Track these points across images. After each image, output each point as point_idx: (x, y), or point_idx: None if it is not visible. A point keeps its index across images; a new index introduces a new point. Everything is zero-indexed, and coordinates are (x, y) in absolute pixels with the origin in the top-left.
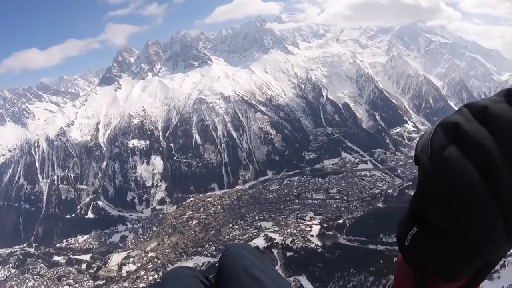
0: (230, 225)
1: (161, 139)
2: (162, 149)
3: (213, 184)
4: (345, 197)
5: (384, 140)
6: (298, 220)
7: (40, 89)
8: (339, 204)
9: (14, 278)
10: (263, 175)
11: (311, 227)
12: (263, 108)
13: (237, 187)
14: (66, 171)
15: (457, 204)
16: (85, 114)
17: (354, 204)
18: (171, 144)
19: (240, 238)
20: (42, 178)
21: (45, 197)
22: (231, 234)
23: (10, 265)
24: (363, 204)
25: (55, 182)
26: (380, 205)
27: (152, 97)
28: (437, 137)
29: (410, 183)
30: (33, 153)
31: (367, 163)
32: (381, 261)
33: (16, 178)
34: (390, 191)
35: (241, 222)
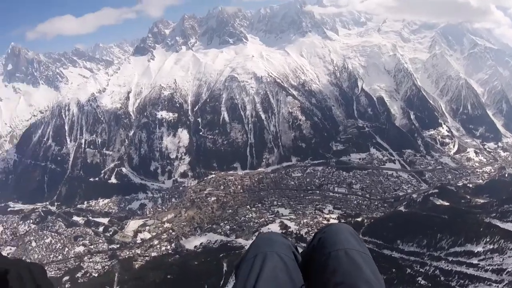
0: (248, 206)
1: (189, 113)
2: (190, 123)
3: (236, 163)
4: (367, 195)
5: (416, 141)
6: (316, 211)
7: (75, 55)
8: (360, 201)
9: (33, 234)
10: (287, 160)
11: (328, 220)
12: (294, 92)
13: (259, 169)
14: (94, 136)
15: None
16: (117, 82)
17: (376, 203)
18: (199, 119)
19: (256, 221)
20: (70, 141)
21: (71, 159)
22: (247, 216)
23: (31, 221)
24: (385, 205)
25: (82, 146)
26: (402, 208)
27: (184, 70)
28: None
29: (436, 190)
30: (63, 116)
31: (395, 163)
32: (394, 270)
33: (45, 139)
34: (414, 195)
35: (259, 205)
